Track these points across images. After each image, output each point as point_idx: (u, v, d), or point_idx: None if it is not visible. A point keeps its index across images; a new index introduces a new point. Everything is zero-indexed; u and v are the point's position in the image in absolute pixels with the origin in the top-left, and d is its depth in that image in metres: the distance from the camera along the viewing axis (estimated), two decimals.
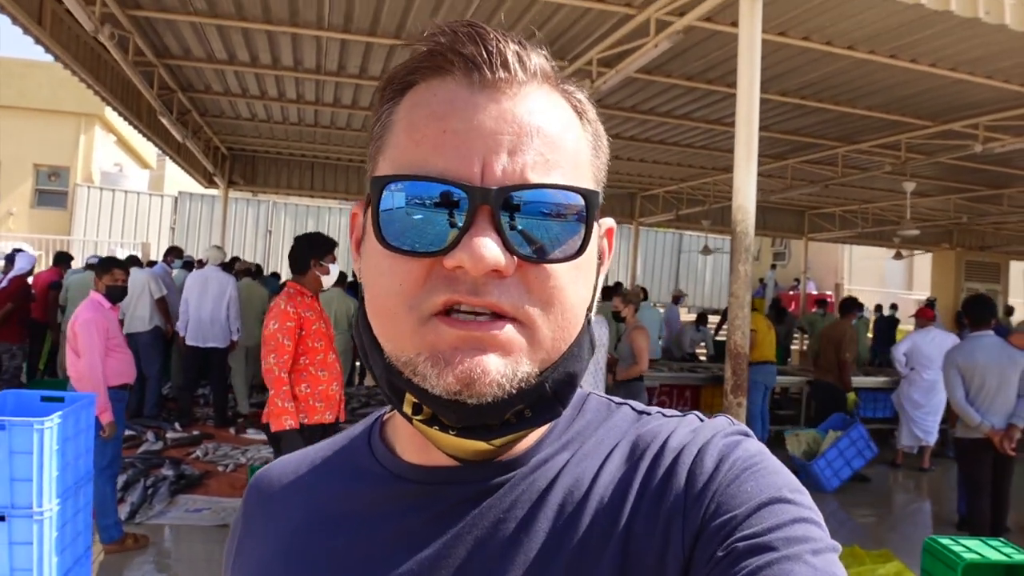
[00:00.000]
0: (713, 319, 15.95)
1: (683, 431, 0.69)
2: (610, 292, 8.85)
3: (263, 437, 7.35)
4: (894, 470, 8.96)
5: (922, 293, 21.04)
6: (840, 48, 6.36)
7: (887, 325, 15.38)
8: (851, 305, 9.34)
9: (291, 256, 4.64)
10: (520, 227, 0.61)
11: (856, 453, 7.94)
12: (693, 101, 8.46)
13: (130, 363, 5.16)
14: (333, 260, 4.72)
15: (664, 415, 0.73)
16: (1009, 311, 15.24)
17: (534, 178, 0.61)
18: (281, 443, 4.21)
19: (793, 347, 15.46)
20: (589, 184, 0.67)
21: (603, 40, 6.35)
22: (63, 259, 11.00)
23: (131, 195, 20.31)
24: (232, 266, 10.73)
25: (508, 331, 0.61)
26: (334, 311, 8.95)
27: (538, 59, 0.66)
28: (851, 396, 9.11)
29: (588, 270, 0.67)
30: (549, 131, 0.63)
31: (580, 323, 0.67)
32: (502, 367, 0.60)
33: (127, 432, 6.78)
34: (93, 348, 4.74)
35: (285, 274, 14.12)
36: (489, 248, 0.58)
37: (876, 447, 8.01)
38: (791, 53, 6.60)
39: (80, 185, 19.75)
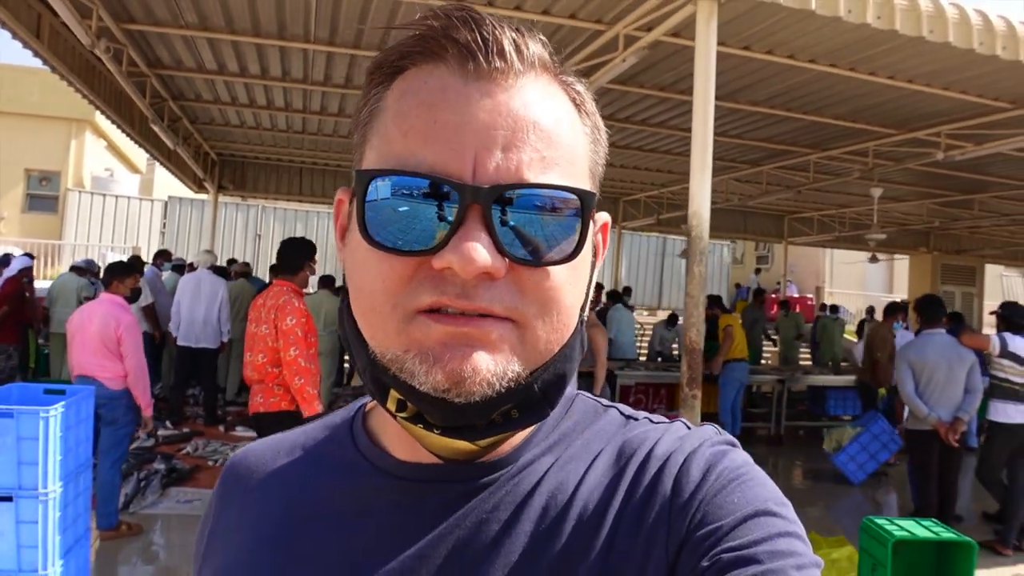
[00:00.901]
0: None
1: (670, 438, 0.68)
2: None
3: (252, 434, 7.63)
4: None
5: (902, 296, 21.44)
6: (802, 61, 6.69)
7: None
8: (894, 309, 9.70)
9: (284, 256, 4.90)
10: (513, 227, 0.59)
11: (881, 446, 8.29)
12: (668, 110, 8.79)
13: None
14: (315, 263, 5.02)
15: (651, 421, 0.73)
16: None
17: (529, 176, 0.59)
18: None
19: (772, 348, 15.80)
20: (585, 180, 0.65)
21: (575, 55, 6.66)
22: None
23: (122, 200, 20.57)
24: (223, 269, 10.99)
25: (499, 328, 0.60)
26: (324, 312, 9.24)
27: (536, 47, 0.64)
28: (881, 391, 9.56)
29: (583, 270, 0.65)
30: (546, 126, 0.61)
31: (574, 324, 0.66)
32: (492, 365, 0.59)
33: None
34: (139, 347, 5.24)
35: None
36: (479, 251, 0.57)
37: (900, 439, 8.05)
38: (758, 66, 6.93)
39: (71, 190, 19.99)
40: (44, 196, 20.15)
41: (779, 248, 22.02)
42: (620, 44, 6.01)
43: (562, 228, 0.61)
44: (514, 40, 0.62)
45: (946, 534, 4.05)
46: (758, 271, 24.09)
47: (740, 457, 0.66)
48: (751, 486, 0.63)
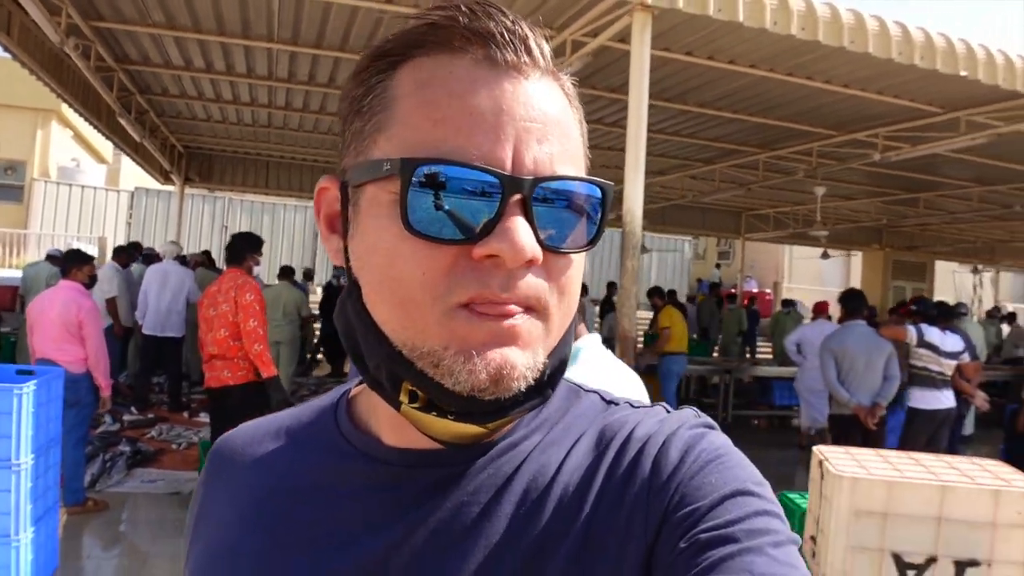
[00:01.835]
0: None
1: (649, 421, 0.69)
2: None
3: None
4: (801, 451, 9.77)
5: None
6: (742, 67, 7.06)
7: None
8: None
9: (232, 249, 5.62)
10: (547, 217, 0.61)
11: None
12: (620, 110, 9.13)
13: None
14: (260, 256, 5.76)
15: (631, 405, 0.74)
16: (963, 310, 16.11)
17: (559, 169, 0.61)
18: (271, 385, 5.37)
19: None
20: (586, 171, 0.66)
21: None
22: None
23: (88, 190, 20.61)
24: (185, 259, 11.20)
25: (528, 322, 0.61)
26: (283, 303, 9.52)
27: (547, 45, 0.65)
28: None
29: (584, 257, 0.68)
30: (563, 121, 0.64)
31: (575, 309, 0.68)
32: (525, 359, 0.61)
33: None
34: (100, 331, 5.59)
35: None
36: (528, 239, 0.58)
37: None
38: (701, 70, 7.30)
39: (37, 179, 19.99)
40: (9, 185, 20.11)
41: (738, 243, 22.60)
42: (568, 49, 6.34)
43: (587, 217, 0.63)
44: (533, 36, 0.63)
45: None
46: (718, 266, 24.66)
47: (718, 439, 0.67)
48: (729, 467, 0.64)
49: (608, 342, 3.76)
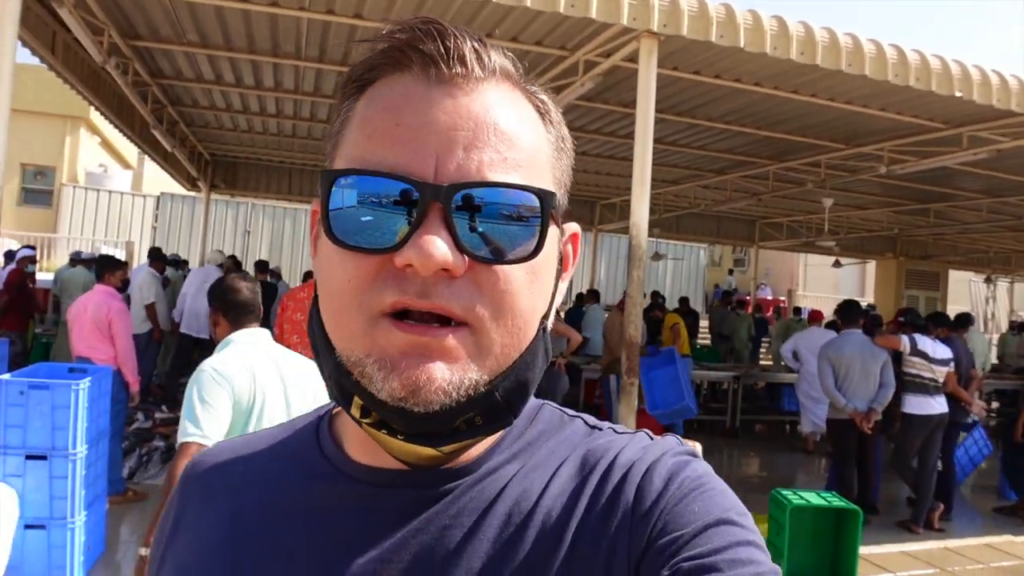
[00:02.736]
0: None
1: (633, 448, 0.69)
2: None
3: None
4: (807, 456, 10.05)
5: (870, 300, 22.19)
6: (748, 85, 7.35)
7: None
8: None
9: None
10: (473, 226, 0.60)
11: (977, 451, 8.79)
12: (631, 124, 9.45)
13: None
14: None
15: (615, 431, 0.73)
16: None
17: (490, 176, 0.60)
18: None
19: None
20: (549, 185, 0.66)
21: (540, 77, 7.34)
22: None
23: (115, 195, 21.13)
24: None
25: (455, 338, 0.60)
26: None
27: (498, 57, 0.66)
28: None
29: (544, 275, 0.66)
30: (506, 128, 0.63)
31: (533, 330, 0.66)
32: (448, 375, 0.60)
33: None
34: (129, 330, 6.01)
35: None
36: (438, 247, 0.58)
37: (992, 446, 8.81)
38: (709, 87, 7.60)
39: (65, 185, 20.56)
40: (39, 190, 20.71)
41: (754, 251, 22.82)
42: (580, 69, 6.68)
43: (522, 228, 0.61)
44: (475, 48, 0.64)
45: (836, 502, 4.76)
46: (731, 272, 24.90)
47: (701, 467, 0.67)
48: (712, 496, 0.64)
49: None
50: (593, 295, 13.55)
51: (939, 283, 20.64)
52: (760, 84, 7.36)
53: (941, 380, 6.84)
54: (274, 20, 6.69)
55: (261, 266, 11.58)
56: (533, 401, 0.75)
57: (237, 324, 3.01)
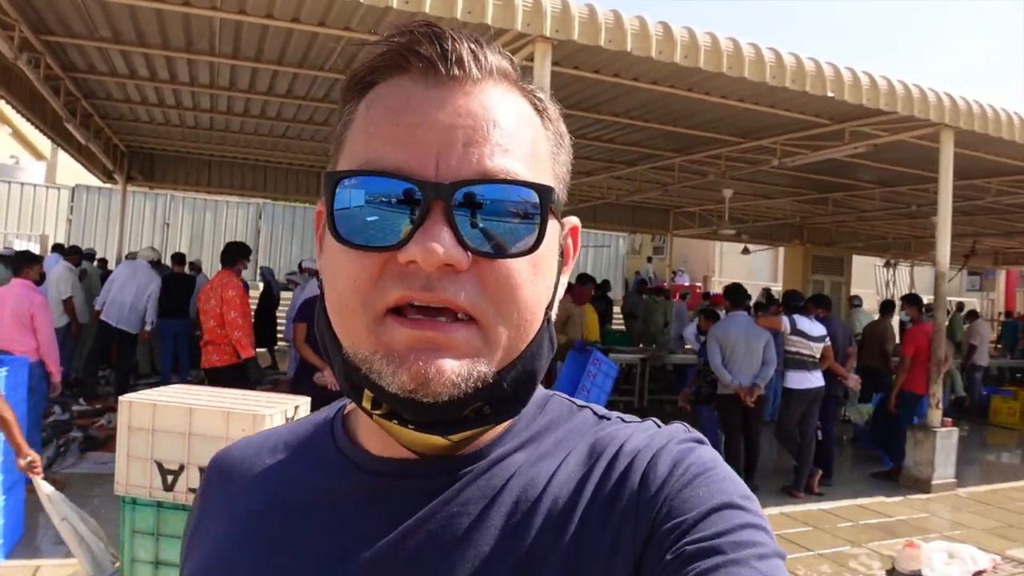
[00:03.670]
0: None
1: (640, 436, 0.70)
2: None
3: None
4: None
5: (778, 285, 23.11)
6: (646, 83, 7.77)
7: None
8: (889, 307, 10.75)
9: (225, 254, 7.11)
10: (474, 222, 0.61)
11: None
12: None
13: None
14: (248, 260, 7.28)
15: (623, 420, 0.75)
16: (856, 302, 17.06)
17: (490, 172, 0.62)
18: (249, 365, 6.70)
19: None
20: (548, 180, 0.67)
21: None
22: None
23: (27, 187, 20.63)
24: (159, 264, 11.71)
25: (463, 332, 0.62)
26: None
27: (495, 57, 0.67)
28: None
29: (546, 268, 0.67)
30: (504, 125, 0.64)
31: (538, 321, 0.67)
32: (457, 367, 0.61)
33: None
34: (50, 323, 6.26)
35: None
36: (441, 242, 0.59)
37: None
38: (609, 86, 8.01)
39: None
40: None
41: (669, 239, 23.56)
42: None
43: (523, 223, 0.62)
44: (472, 50, 0.65)
45: None
46: (650, 260, 25.62)
47: (707, 454, 0.68)
48: (716, 481, 0.64)
49: None
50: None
51: (843, 268, 21.62)
52: (657, 83, 7.80)
53: (818, 356, 7.43)
54: (187, 18, 6.86)
55: (178, 258, 11.63)
56: (541, 391, 0.76)
57: None
